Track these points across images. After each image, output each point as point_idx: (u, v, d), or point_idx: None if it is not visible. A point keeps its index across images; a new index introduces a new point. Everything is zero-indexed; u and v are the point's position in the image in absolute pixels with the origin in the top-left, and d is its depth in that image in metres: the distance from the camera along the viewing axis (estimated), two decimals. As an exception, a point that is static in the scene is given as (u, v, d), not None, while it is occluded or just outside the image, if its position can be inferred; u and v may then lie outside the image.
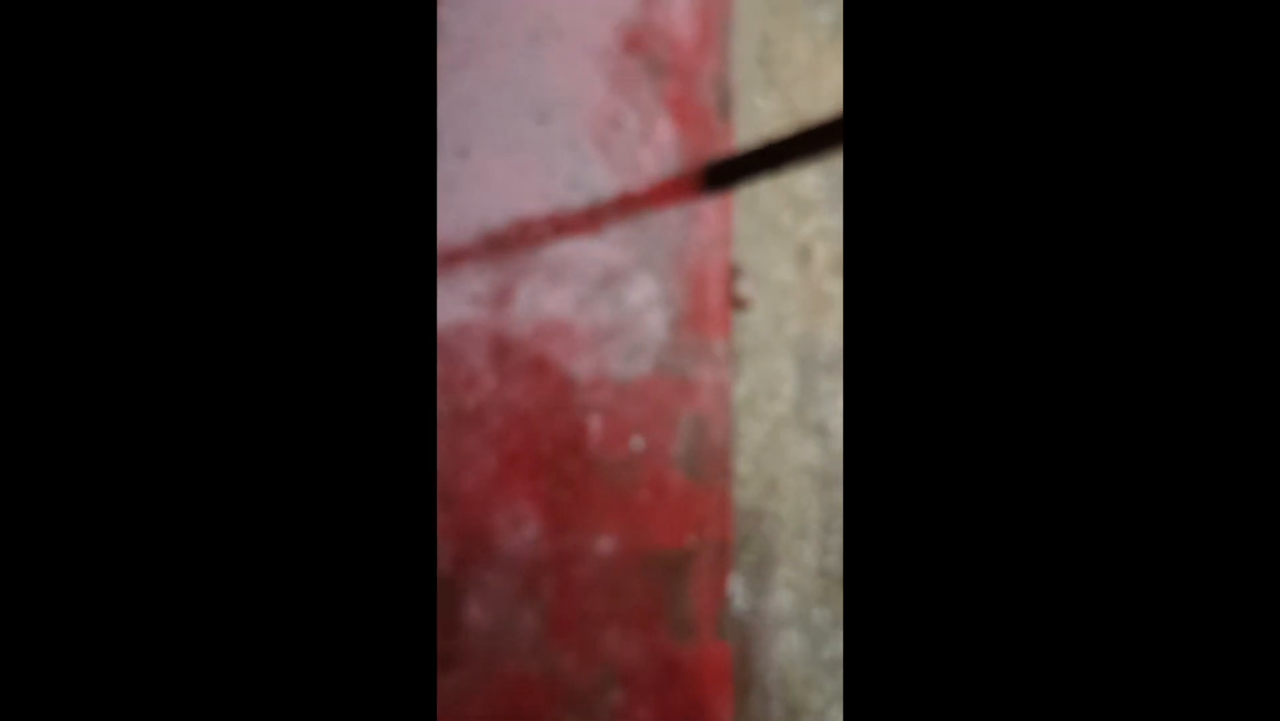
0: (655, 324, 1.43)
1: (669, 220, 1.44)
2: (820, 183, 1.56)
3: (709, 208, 1.47)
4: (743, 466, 1.48)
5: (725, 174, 1.43)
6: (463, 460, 1.29)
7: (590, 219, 1.39)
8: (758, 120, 1.52)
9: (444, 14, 1.31)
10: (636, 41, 1.44)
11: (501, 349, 1.33)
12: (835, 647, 1.53)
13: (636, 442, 1.40)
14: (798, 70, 1.55)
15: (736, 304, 1.48)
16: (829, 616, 1.53)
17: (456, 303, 1.30)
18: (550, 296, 1.36)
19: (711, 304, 1.47)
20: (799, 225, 1.54)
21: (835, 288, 1.56)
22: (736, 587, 1.46)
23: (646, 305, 1.42)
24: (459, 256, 1.31)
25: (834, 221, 1.56)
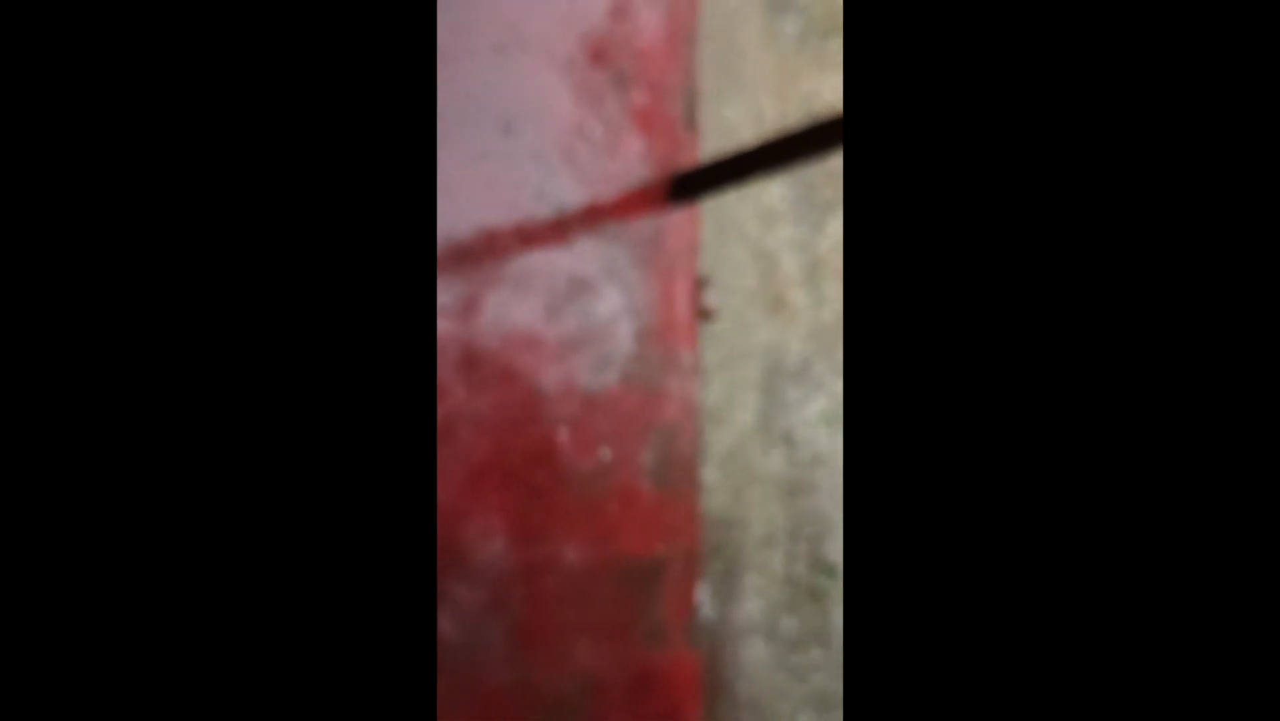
0: (623, 335, 1.43)
1: (636, 231, 1.45)
2: (786, 193, 1.57)
3: (676, 218, 1.48)
4: (710, 475, 1.49)
5: (692, 184, 1.44)
6: (432, 473, 1.28)
7: (557, 230, 1.39)
8: (724, 131, 1.53)
9: (410, 25, 1.31)
10: (602, 53, 1.44)
11: (469, 360, 1.32)
12: (803, 655, 1.54)
13: (605, 453, 1.41)
14: (764, 81, 1.56)
15: (703, 314, 1.49)
16: (796, 624, 1.54)
17: (424, 315, 1.30)
18: (518, 308, 1.36)
19: (679, 315, 1.47)
20: (765, 235, 1.56)
21: (802, 298, 1.58)
22: (704, 596, 1.47)
23: (614, 316, 1.43)
24: (427, 269, 1.30)
25: (800, 231, 1.58)
